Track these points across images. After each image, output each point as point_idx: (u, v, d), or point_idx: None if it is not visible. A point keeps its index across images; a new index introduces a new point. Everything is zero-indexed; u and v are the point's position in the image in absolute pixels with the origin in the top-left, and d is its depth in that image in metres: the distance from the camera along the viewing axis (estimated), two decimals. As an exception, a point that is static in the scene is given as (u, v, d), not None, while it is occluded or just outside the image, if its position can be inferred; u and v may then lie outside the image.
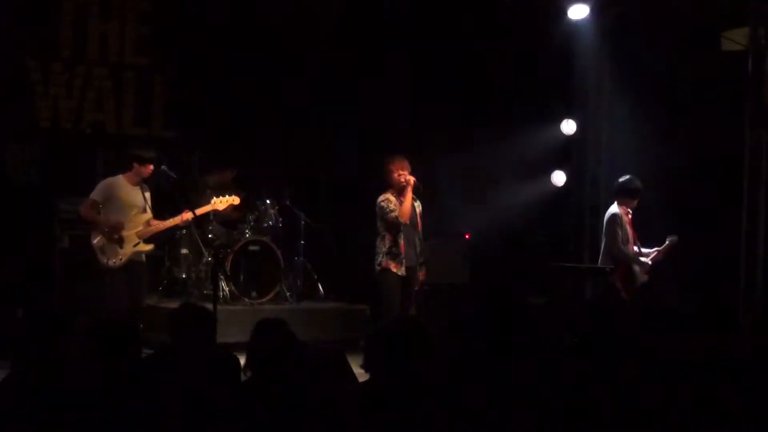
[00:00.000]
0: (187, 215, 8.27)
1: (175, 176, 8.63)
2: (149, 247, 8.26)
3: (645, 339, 4.74)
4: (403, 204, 8.20)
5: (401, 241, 8.22)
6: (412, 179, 8.20)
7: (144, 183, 8.27)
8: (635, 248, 8.72)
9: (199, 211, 8.58)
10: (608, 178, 10.41)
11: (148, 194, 8.28)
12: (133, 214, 8.15)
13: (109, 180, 8.26)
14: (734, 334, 4.54)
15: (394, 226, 8.22)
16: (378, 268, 8.26)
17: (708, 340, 4.43)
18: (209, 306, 6.93)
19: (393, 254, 8.22)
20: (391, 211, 8.19)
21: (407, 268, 8.26)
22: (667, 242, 8.85)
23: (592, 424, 3.94)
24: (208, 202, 9.36)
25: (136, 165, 8.12)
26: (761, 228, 9.33)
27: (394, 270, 8.19)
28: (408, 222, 8.25)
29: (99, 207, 8.10)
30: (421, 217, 8.44)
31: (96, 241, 8.07)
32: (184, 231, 10.05)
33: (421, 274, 8.45)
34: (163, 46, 10.99)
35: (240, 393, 4.22)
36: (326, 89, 11.01)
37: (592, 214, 10.69)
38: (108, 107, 10.89)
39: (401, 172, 8.22)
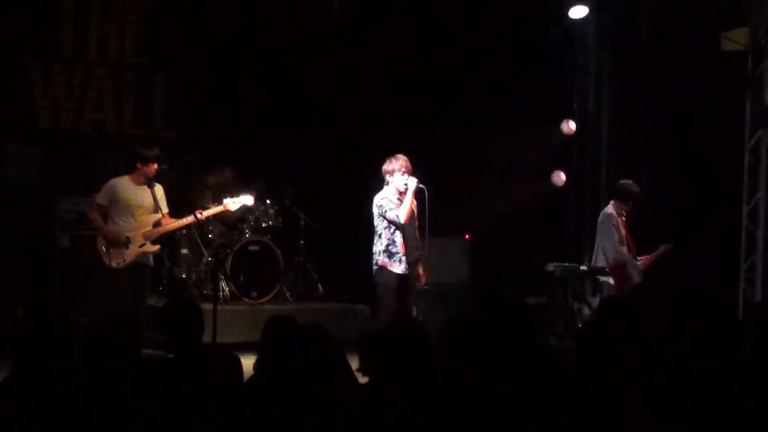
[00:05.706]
0: (201, 216, 8.13)
1: (175, 176, 8.61)
2: (155, 248, 8.10)
3: (644, 339, 4.74)
4: (403, 204, 8.17)
5: (399, 240, 8.15)
6: (414, 182, 8.10)
7: (153, 181, 8.09)
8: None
9: (210, 213, 8.55)
10: (608, 178, 10.42)
11: (160, 192, 8.11)
12: (140, 214, 8.01)
13: (114, 181, 8.10)
14: (734, 334, 4.54)
15: (392, 225, 8.18)
16: (375, 267, 8.22)
17: (708, 340, 4.43)
18: (209, 306, 6.97)
19: (390, 253, 8.14)
20: (392, 209, 8.14)
21: (407, 266, 8.21)
22: (660, 249, 8.86)
23: (591, 423, 3.95)
24: (208, 202, 9.34)
25: (139, 165, 8.00)
26: (761, 228, 9.35)
27: (390, 268, 8.12)
28: (407, 222, 8.22)
29: (104, 209, 7.99)
30: (419, 215, 8.40)
31: (101, 243, 7.97)
32: (184, 231, 10.03)
33: (420, 271, 8.40)
34: (163, 46, 10.99)
35: (243, 391, 4.22)
36: (326, 88, 11.01)
37: (592, 214, 10.68)
38: (108, 107, 10.88)
39: (404, 174, 8.11)
